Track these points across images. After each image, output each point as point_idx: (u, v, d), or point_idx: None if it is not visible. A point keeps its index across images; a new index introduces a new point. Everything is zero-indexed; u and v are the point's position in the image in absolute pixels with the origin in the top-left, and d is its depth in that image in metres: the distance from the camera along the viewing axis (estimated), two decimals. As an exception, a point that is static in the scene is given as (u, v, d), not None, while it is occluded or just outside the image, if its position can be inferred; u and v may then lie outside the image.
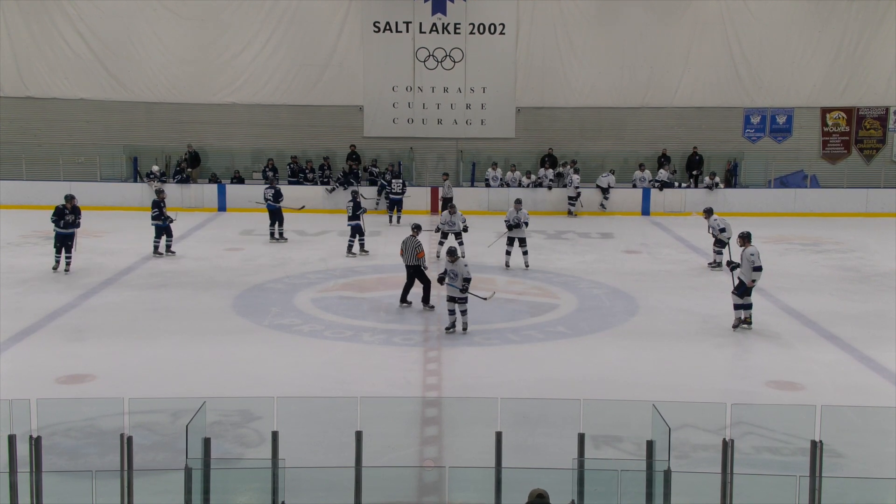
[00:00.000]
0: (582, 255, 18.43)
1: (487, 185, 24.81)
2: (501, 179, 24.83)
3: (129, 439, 6.60)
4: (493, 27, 25.48)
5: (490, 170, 24.99)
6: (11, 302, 13.72)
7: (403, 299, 13.92)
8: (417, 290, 13.92)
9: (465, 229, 17.08)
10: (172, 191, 23.90)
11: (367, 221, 18.68)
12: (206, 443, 6.60)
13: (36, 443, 6.51)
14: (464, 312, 12.45)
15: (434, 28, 25.43)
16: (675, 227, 22.28)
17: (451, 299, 12.45)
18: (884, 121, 26.20)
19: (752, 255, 12.56)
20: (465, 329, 12.42)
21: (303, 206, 21.01)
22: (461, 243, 17.06)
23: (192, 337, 12.31)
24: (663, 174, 24.91)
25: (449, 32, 25.47)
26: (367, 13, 25.33)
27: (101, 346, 11.80)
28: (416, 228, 14.32)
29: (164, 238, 17.44)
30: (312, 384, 10.29)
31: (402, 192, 22.67)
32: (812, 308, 14.04)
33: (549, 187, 24.53)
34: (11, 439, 6.55)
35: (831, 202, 24.63)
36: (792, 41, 25.57)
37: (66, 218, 15.83)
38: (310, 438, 8.09)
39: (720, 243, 16.58)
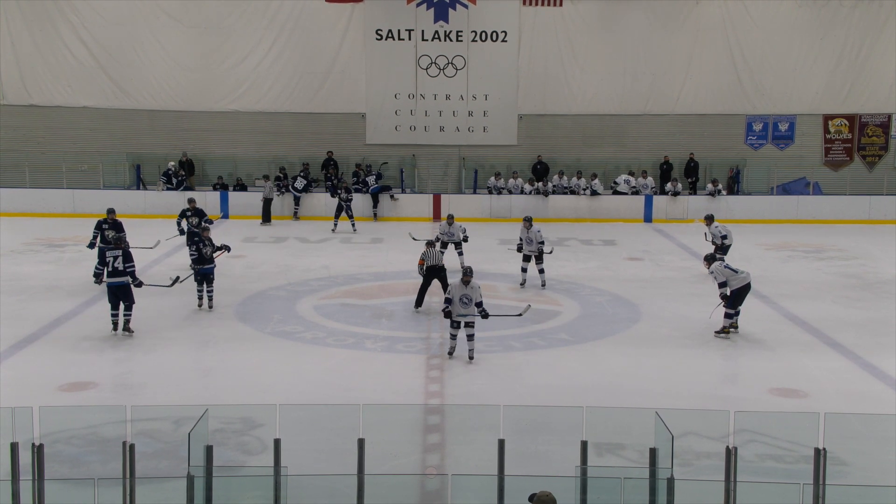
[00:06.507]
0: (584, 262, 18.42)
1: (490, 193, 24.68)
2: (505, 188, 24.59)
3: (132, 447, 6.61)
4: (494, 35, 25.52)
5: (492, 179, 24.75)
6: (14, 309, 13.72)
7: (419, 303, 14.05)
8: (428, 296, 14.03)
9: (465, 239, 16.97)
10: (173, 199, 23.91)
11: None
12: (209, 450, 6.60)
13: (38, 450, 6.52)
14: (471, 337, 11.37)
15: (436, 35, 25.47)
16: (677, 234, 22.26)
17: (456, 324, 11.41)
18: (886, 128, 26.17)
19: (711, 273, 13.05)
20: (471, 357, 11.36)
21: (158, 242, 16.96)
22: (461, 253, 16.99)
23: (194, 344, 12.31)
24: (670, 187, 24.70)
25: (451, 40, 25.50)
26: (369, 21, 25.37)
27: (102, 353, 11.80)
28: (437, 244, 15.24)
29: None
30: (315, 391, 10.29)
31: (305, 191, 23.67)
32: (815, 315, 14.03)
33: (546, 194, 24.42)
34: (14, 447, 6.56)
35: (834, 209, 24.58)
36: (794, 48, 25.58)
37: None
38: (312, 446, 8.08)
39: (722, 250, 16.56)
